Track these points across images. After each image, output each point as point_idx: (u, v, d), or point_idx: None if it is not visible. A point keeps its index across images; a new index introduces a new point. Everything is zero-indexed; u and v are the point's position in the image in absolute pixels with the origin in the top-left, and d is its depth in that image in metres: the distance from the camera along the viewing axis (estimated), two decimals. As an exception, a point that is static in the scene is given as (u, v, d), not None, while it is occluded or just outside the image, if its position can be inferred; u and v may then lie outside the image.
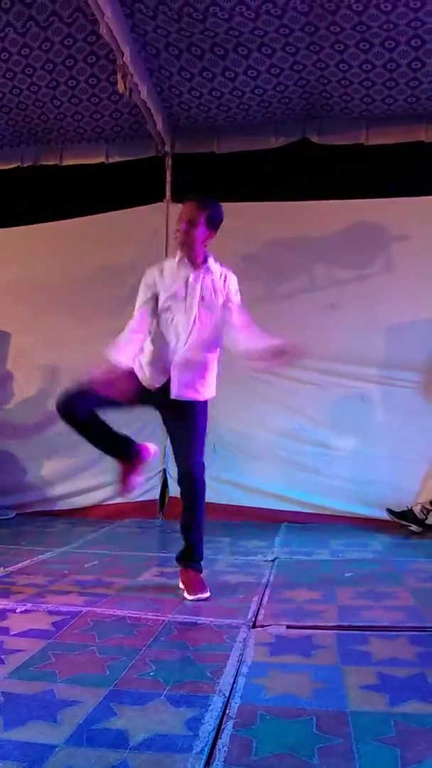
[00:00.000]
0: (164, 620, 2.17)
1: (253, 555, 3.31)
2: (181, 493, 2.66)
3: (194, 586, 2.50)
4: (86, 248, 4.68)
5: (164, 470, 4.54)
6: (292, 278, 4.49)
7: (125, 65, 3.57)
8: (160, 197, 4.62)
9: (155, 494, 4.55)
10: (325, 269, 4.46)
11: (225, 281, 2.66)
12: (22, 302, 4.75)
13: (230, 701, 1.53)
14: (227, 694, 1.56)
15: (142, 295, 2.62)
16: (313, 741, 1.33)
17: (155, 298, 2.60)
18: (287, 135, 4.46)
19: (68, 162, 4.76)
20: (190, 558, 2.63)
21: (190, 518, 2.64)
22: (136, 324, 2.58)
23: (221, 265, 2.70)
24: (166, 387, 2.59)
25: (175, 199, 4.63)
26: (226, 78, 3.94)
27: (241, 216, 4.53)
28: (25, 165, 4.79)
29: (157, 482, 4.55)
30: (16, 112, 4.35)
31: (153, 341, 2.63)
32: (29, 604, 2.33)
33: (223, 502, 4.45)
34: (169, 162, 4.66)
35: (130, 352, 2.52)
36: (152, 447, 2.75)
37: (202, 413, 2.66)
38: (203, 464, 2.63)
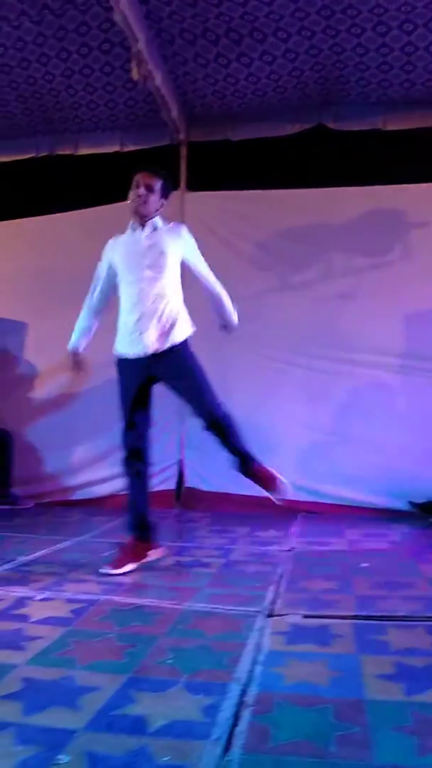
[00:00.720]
0: (181, 608, 2.18)
1: (270, 545, 3.31)
2: (215, 435, 2.75)
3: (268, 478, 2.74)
4: (101, 237, 4.67)
5: (180, 460, 4.55)
6: (309, 266, 4.47)
7: (140, 52, 3.56)
8: (175, 186, 4.60)
9: (171, 484, 4.56)
10: (341, 257, 4.42)
11: (175, 236, 2.79)
12: (38, 292, 4.77)
13: (247, 689, 1.53)
14: (244, 682, 1.57)
15: (97, 271, 2.89)
16: (330, 729, 1.33)
17: (111, 271, 2.83)
18: (303, 121, 4.41)
19: (83, 151, 4.76)
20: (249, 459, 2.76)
21: (231, 444, 2.75)
22: (88, 300, 2.92)
23: (170, 222, 2.88)
24: (146, 351, 2.72)
25: (191, 187, 4.61)
26: (241, 64, 3.90)
27: (256, 203, 4.52)
28: (40, 155, 4.80)
29: (173, 472, 4.57)
30: (32, 102, 4.35)
31: (121, 313, 2.80)
32: (48, 592, 2.35)
33: (239, 492, 4.45)
34: (184, 150, 4.64)
35: (81, 333, 2.92)
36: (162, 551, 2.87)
37: (189, 354, 2.75)
38: (220, 403, 2.72)
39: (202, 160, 4.60)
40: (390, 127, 4.29)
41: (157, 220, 2.81)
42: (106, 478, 4.62)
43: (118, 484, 4.58)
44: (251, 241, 4.52)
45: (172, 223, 2.88)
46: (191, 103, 4.42)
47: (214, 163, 4.59)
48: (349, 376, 4.35)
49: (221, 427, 2.70)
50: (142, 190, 2.73)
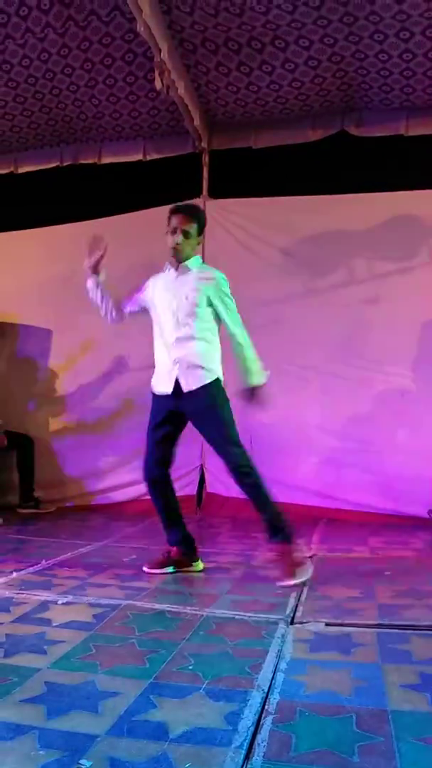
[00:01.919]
0: (202, 614, 2.18)
1: (291, 551, 3.29)
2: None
3: (287, 564, 2.59)
4: (124, 245, 4.72)
5: (201, 466, 4.56)
6: (331, 272, 4.45)
7: (163, 62, 3.59)
8: (197, 193, 4.63)
9: (192, 490, 4.57)
10: (364, 263, 4.41)
11: (205, 281, 2.76)
12: (63, 300, 4.83)
13: (269, 697, 1.52)
14: (266, 690, 1.56)
15: (142, 288, 2.91)
16: (353, 739, 1.32)
17: (148, 302, 2.86)
18: (325, 128, 4.41)
19: (106, 160, 4.81)
20: (271, 532, 2.67)
21: (254, 500, 2.70)
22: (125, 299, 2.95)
23: (208, 267, 2.86)
24: (176, 389, 2.73)
25: (213, 194, 4.63)
26: (264, 72, 3.92)
27: (278, 210, 4.52)
28: (64, 164, 4.86)
29: (194, 478, 4.57)
30: (56, 112, 4.41)
31: (155, 350, 2.85)
32: (70, 596, 2.37)
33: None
34: (206, 158, 4.67)
35: (102, 295, 2.91)
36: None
37: (213, 399, 2.72)
38: (237, 453, 2.68)
39: (225, 168, 4.62)
40: (412, 133, 4.27)
41: (192, 262, 2.80)
42: (126, 483, 4.65)
43: (139, 490, 4.62)
44: (274, 248, 4.53)
45: (208, 269, 2.84)
46: (213, 112, 4.45)
47: (236, 171, 4.61)
48: (372, 382, 4.32)
49: (241, 485, 2.69)
50: (179, 238, 2.72)
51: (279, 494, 4.39)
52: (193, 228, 2.75)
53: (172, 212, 2.77)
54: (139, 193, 4.69)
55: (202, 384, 2.71)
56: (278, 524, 2.65)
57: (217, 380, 2.75)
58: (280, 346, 4.35)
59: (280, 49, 3.70)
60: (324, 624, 2.09)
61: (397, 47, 3.61)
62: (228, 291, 2.77)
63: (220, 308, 2.75)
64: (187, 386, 2.71)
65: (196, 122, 4.34)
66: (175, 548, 2.84)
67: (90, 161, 4.83)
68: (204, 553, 3.07)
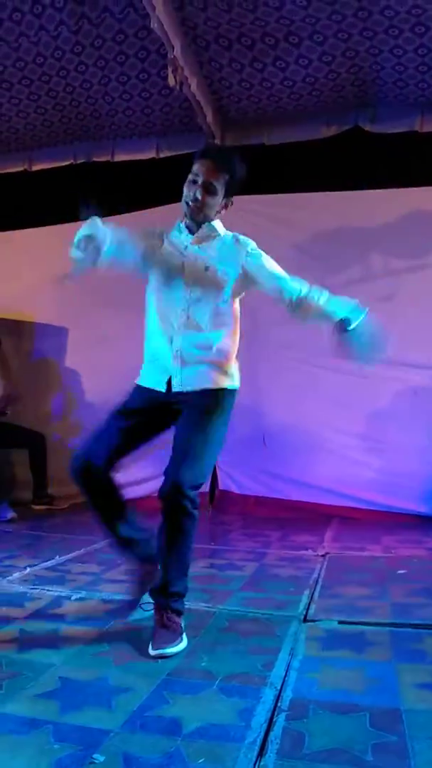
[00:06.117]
0: (215, 611, 2.18)
1: (304, 549, 3.28)
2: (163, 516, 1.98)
3: (161, 635, 1.85)
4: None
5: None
6: (346, 269, 4.42)
7: (176, 59, 3.58)
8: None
9: (204, 487, 4.57)
10: (379, 260, 4.37)
11: (235, 251, 2.11)
12: (78, 297, 4.85)
13: (282, 694, 1.52)
14: (279, 687, 1.56)
15: (135, 236, 2.12)
16: (366, 737, 1.32)
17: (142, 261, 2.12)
18: (339, 124, 4.37)
19: (120, 158, 4.81)
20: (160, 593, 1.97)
21: (169, 544, 1.95)
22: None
23: (230, 230, 2.19)
24: (163, 387, 2.06)
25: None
26: (277, 68, 3.90)
27: (292, 207, 4.50)
28: (78, 162, 4.87)
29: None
30: (69, 110, 4.42)
31: (147, 333, 2.15)
32: (84, 592, 2.38)
33: (273, 495, 4.45)
34: (219, 155, 4.65)
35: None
36: None
37: (216, 409, 2.02)
38: (193, 497, 1.89)
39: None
40: (427, 129, 4.21)
41: (215, 225, 2.12)
42: (139, 480, 4.65)
43: (151, 486, 4.63)
44: (287, 244, 4.49)
45: (233, 234, 2.16)
46: (226, 108, 4.43)
47: (249, 167, 4.59)
48: (386, 380, 4.29)
49: (171, 517, 1.92)
50: (198, 192, 2.04)
51: (290, 492, 4.43)
52: (220, 181, 2.06)
53: (199, 156, 2.10)
54: (152, 191, 4.69)
55: (213, 388, 2.04)
56: (181, 589, 1.97)
57: (230, 389, 2.09)
58: (293, 344, 4.34)
59: (294, 45, 3.68)
60: (337, 622, 2.08)
61: (412, 42, 3.57)
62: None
63: (268, 271, 2.11)
64: (181, 386, 2.03)
65: (209, 119, 4.33)
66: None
67: (103, 159, 4.83)
68: (216, 551, 3.07)
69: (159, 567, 1.99)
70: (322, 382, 4.36)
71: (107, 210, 5.20)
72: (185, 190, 2.09)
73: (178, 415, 2.05)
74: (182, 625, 1.92)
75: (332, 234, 4.45)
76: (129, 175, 4.78)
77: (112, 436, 2.06)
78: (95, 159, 4.84)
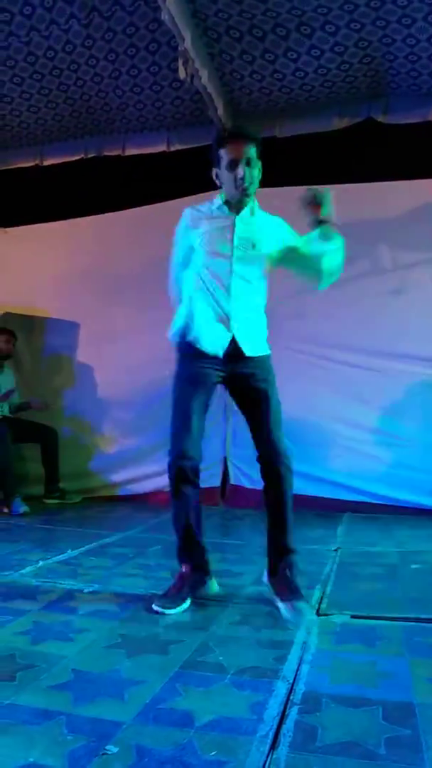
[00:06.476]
0: (228, 605, 2.18)
1: (316, 544, 3.27)
2: (267, 488, 2.25)
3: (294, 591, 2.11)
4: (149, 237, 4.73)
5: (224, 458, 4.56)
6: (357, 261, 4.37)
7: (186, 51, 3.56)
8: (221, 184, 4.60)
9: (216, 482, 4.57)
10: (390, 252, 4.34)
11: (274, 227, 2.31)
12: (89, 292, 4.86)
13: (294, 687, 1.52)
14: (291, 681, 1.56)
15: (180, 239, 2.31)
16: (379, 730, 1.31)
17: (192, 249, 2.26)
18: (351, 115, 4.34)
19: (130, 152, 4.80)
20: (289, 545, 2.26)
21: (286, 504, 2.23)
22: (177, 273, 2.36)
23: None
24: (230, 350, 2.18)
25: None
26: (288, 59, 3.87)
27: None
28: (89, 156, 4.87)
29: (218, 469, 4.57)
30: (80, 104, 4.42)
31: (195, 299, 2.24)
32: (96, 585, 2.39)
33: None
34: (230, 148, 4.63)
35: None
36: None
37: (271, 373, 2.24)
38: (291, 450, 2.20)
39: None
40: (440, 119, 4.18)
41: (256, 202, 2.27)
42: (151, 474, 4.67)
43: (162, 481, 4.64)
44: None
45: (271, 215, 2.35)
46: (237, 101, 4.41)
47: (261, 160, 4.56)
48: (397, 374, 4.26)
49: (283, 480, 2.21)
50: (245, 170, 2.14)
51: (302, 486, 4.40)
52: (256, 151, 2.20)
53: (227, 140, 2.19)
54: (163, 184, 4.68)
55: (266, 353, 2.26)
56: (291, 542, 2.25)
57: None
58: (305, 339, 4.33)
59: (306, 36, 3.65)
60: (349, 616, 2.08)
61: (425, 31, 3.53)
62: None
63: (298, 238, 2.32)
64: (249, 351, 2.19)
65: (220, 111, 4.31)
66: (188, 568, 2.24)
67: (114, 153, 4.82)
68: (228, 545, 3.07)
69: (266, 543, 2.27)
70: (335, 376, 4.34)
71: (119, 204, 5.24)
72: (226, 174, 2.18)
73: (225, 379, 2.22)
74: None
75: (343, 226, 4.39)
76: (140, 168, 4.77)
77: (199, 419, 2.18)
78: (106, 153, 4.84)
